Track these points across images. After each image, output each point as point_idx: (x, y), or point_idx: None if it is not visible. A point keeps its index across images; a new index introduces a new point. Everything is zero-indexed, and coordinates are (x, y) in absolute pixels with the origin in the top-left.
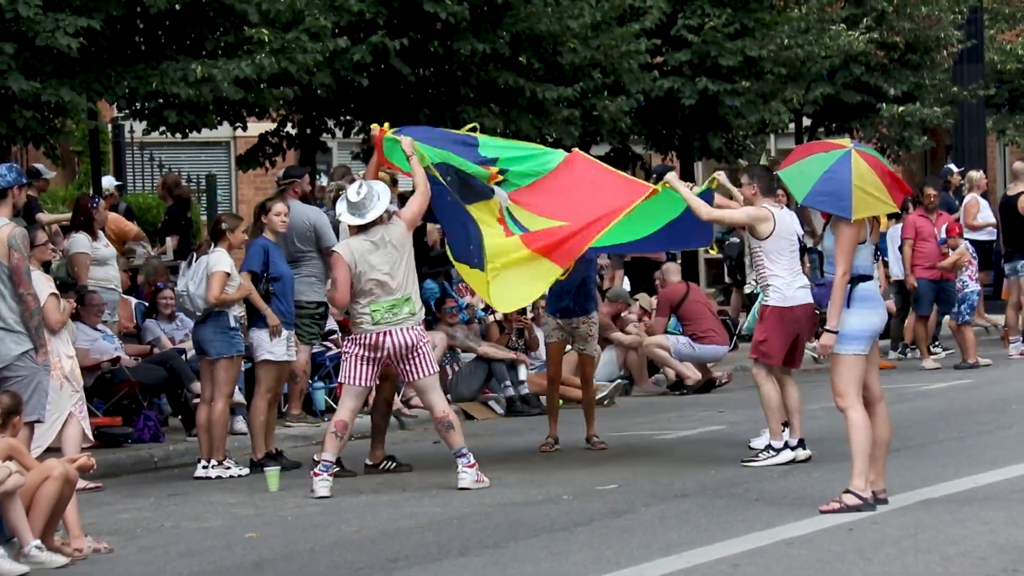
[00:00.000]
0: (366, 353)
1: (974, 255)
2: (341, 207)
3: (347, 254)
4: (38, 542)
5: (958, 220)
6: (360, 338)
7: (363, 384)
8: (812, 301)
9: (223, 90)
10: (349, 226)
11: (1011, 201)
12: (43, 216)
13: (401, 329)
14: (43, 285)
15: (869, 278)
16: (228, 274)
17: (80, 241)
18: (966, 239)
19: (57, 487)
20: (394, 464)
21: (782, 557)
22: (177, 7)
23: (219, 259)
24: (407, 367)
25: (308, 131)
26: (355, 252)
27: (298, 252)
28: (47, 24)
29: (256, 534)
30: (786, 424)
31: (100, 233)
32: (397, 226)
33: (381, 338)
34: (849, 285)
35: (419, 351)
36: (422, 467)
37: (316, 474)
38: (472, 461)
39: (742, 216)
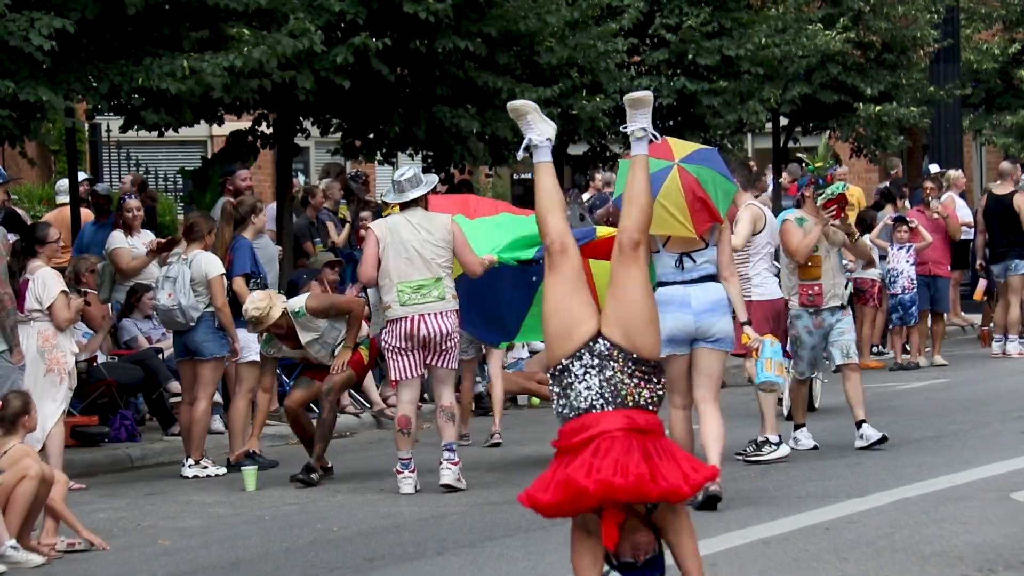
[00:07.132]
0: (402, 344)
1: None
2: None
3: (379, 228)
4: (14, 542)
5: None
6: (395, 328)
7: (412, 375)
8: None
9: (210, 84)
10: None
11: (1004, 200)
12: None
13: (433, 315)
14: (54, 282)
15: (667, 284)
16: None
17: (117, 237)
18: None
19: (33, 486)
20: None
21: (758, 557)
22: (153, 2)
23: (211, 263)
24: (436, 354)
25: (284, 130)
26: (389, 226)
27: None
28: (21, 23)
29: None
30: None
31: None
32: (441, 219)
33: (415, 326)
34: None
35: (452, 340)
36: None
37: (398, 472)
38: (457, 459)
39: (743, 231)
